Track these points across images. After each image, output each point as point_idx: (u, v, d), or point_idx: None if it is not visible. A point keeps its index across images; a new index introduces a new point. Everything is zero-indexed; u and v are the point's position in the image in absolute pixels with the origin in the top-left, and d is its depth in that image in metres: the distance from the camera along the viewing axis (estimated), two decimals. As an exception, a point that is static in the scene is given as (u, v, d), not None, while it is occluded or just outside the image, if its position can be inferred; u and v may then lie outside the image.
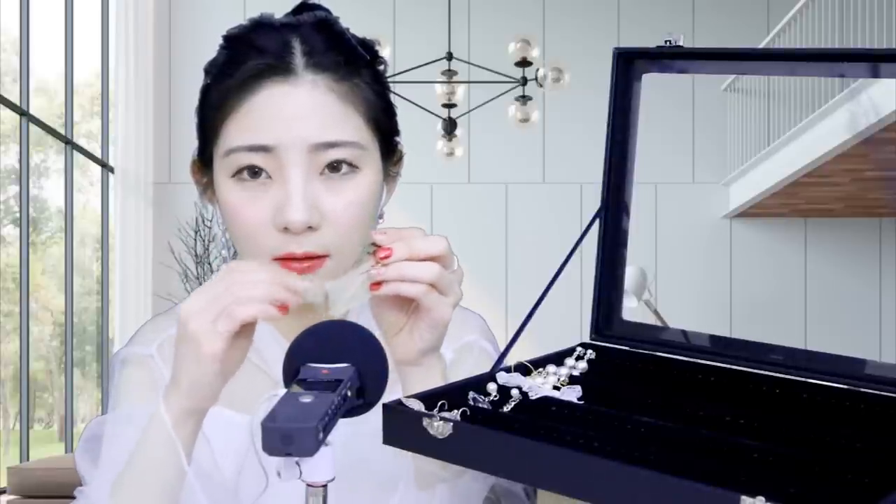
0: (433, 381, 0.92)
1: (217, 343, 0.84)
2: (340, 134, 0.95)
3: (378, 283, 0.87)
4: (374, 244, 0.87)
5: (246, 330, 0.86)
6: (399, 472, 0.97)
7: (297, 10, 0.99)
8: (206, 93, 0.99)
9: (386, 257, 0.86)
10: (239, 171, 0.95)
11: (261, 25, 0.97)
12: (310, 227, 0.93)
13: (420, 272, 0.86)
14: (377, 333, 0.84)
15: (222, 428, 0.98)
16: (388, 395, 0.83)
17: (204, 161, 1.01)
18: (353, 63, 0.98)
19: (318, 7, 0.99)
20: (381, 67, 1.01)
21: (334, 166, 0.95)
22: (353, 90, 0.97)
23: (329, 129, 0.94)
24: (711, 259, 9.48)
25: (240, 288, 0.84)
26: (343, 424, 0.77)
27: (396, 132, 1.03)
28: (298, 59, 0.95)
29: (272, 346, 1.02)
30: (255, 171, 0.95)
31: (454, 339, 1.08)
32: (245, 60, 0.95)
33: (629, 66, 0.98)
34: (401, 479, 0.97)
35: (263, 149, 0.94)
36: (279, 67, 0.94)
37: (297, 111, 0.94)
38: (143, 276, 8.52)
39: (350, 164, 0.95)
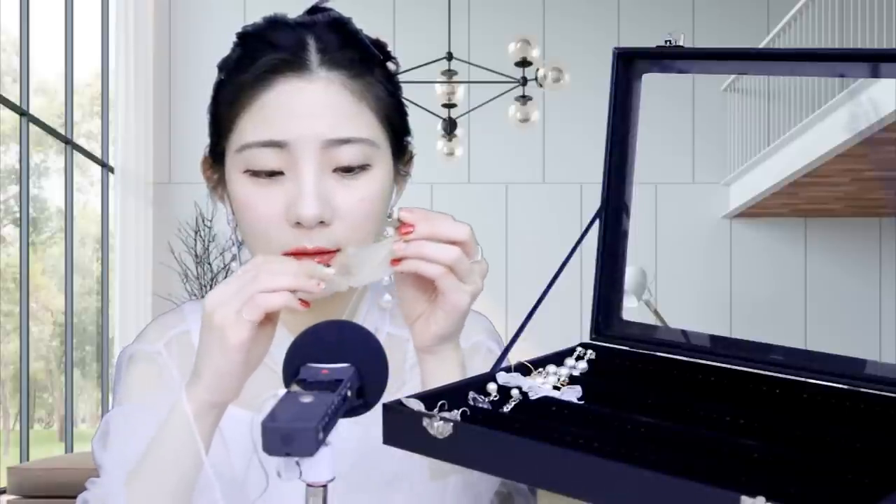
0: (449, 372, 0.93)
1: (242, 332, 0.85)
2: (353, 131, 0.95)
3: (399, 260, 0.88)
4: (399, 220, 0.89)
5: (269, 322, 0.87)
6: (412, 462, 0.97)
7: (311, 11, 1.00)
8: (219, 89, 1.00)
9: (408, 233, 0.88)
10: (252, 167, 0.95)
11: (275, 23, 0.98)
12: (321, 223, 0.94)
13: (439, 253, 0.88)
14: (397, 322, 0.84)
15: (230, 425, 0.98)
16: (389, 395, 0.83)
17: (215, 157, 1.02)
18: (367, 61, 0.98)
19: (331, 9, 1.00)
20: (393, 67, 1.02)
21: (347, 162, 0.95)
22: (367, 88, 0.97)
23: (342, 125, 0.95)
24: (711, 259, 9.47)
25: (265, 277, 0.85)
26: (350, 421, 0.77)
27: (408, 131, 1.04)
28: (313, 55, 0.96)
29: (282, 345, 1.02)
30: (267, 167, 0.95)
31: (462, 339, 1.08)
32: (259, 56, 0.96)
33: (629, 66, 0.98)
34: (414, 470, 0.98)
35: (277, 144, 0.94)
36: (294, 63, 0.95)
37: (311, 108, 0.94)
38: (143, 276, 8.52)
39: (362, 162, 0.96)
